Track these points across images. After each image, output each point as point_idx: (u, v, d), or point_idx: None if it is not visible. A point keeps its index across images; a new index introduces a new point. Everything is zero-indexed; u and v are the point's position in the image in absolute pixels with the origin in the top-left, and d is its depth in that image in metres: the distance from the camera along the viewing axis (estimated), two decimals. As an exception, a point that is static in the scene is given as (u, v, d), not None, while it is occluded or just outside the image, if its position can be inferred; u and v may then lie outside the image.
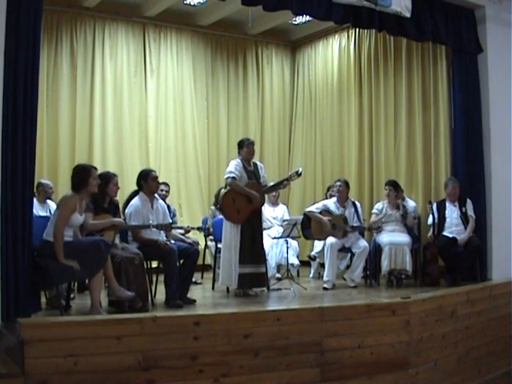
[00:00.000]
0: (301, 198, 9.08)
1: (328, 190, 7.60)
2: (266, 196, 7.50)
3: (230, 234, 5.88)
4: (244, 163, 6.03)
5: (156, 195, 5.76)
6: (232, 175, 5.89)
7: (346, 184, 6.78)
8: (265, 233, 7.10)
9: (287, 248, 6.67)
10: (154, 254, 5.37)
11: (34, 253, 4.52)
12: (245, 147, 6.04)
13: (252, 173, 6.04)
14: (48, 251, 4.50)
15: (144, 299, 4.97)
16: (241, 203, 5.86)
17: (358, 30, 8.35)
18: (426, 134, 7.51)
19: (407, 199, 7.08)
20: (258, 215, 6.00)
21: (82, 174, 4.73)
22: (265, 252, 6.20)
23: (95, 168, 4.90)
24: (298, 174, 6.01)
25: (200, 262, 6.52)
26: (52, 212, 5.49)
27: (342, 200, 6.71)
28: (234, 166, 5.97)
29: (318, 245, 7.05)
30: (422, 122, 7.56)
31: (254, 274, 5.84)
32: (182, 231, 6.22)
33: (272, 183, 6.27)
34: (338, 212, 6.64)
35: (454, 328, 5.18)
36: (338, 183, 6.76)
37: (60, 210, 4.56)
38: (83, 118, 7.75)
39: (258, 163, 6.25)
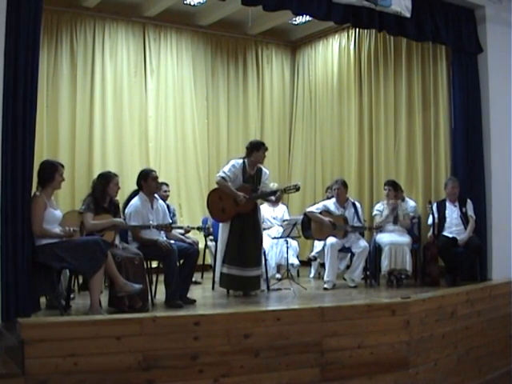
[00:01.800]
0: (301, 198, 9.06)
1: (327, 190, 7.59)
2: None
3: (221, 232, 5.91)
4: (246, 166, 5.94)
5: (156, 195, 5.76)
6: (223, 175, 5.86)
7: (344, 184, 6.76)
8: (265, 233, 7.10)
9: (287, 248, 6.67)
10: (154, 254, 5.36)
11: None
12: (261, 151, 5.91)
13: (251, 177, 5.95)
14: (42, 255, 4.54)
15: (144, 299, 4.97)
16: (227, 203, 5.81)
17: (358, 30, 8.35)
18: (426, 134, 7.51)
19: (407, 199, 7.09)
20: (251, 219, 5.88)
21: (48, 170, 4.74)
22: (261, 256, 5.98)
23: (62, 165, 4.88)
24: (297, 189, 5.90)
25: (200, 262, 6.52)
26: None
27: (342, 201, 6.70)
28: (230, 166, 5.91)
29: (318, 245, 7.04)
30: (421, 122, 7.56)
31: (237, 276, 5.76)
32: (181, 231, 6.22)
33: (267, 190, 6.09)
34: (338, 212, 6.63)
35: (454, 328, 5.18)
36: (336, 186, 6.74)
37: (32, 213, 4.52)
38: (83, 118, 7.75)
39: (264, 169, 6.10)
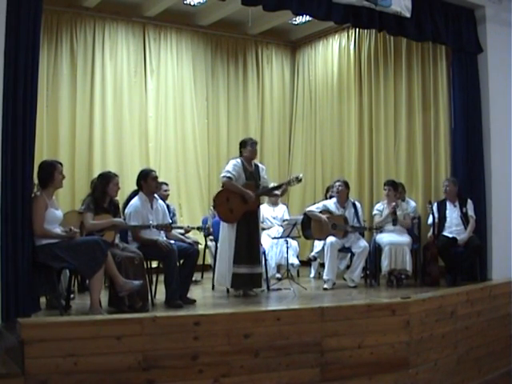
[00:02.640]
0: (301, 198, 9.08)
1: (328, 190, 7.59)
2: (267, 196, 7.55)
3: (227, 233, 5.87)
4: (245, 163, 5.97)
5: (156, 195, 5.76)
6: (228, 175, 5.83)
7: (346, 184, 6.77)
8: (265, 233, 7.12)
9: (287, 248, 6.67)
10: (154, 254, 5.36)
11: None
12: (248, 146, 5.98)
13: (251, 174, 5.98)
14: (42, 255, 4.54)
15: (144, 299, 4.97)
16: (235, 203, 5.81)
17: (358, 30, 8.35)
18: (426, 134, 7.52)
19: (408, 199, 7.09)
20: (254, 217, 5.93)
21: (47, 170, 4.73)
22: (263, 253, 6.10)
23: (60, 163, 4.88)
24: (299, 180, 5.95)
25: (200, 261, 6.51)
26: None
27: (342, 201, 6.70)
28: (232, 165, 5.90)
29: (317, 245, 7.05)
30: (422, 122, 7.56)
31: (248, 274, 5.79)
32: (181, 231, 6.22)
33: (270, 185, 6.20)
34: (338, 212, 6.63)
35: (454, 328, 5.18)
36: (338, 183, 6.75)
37: (33, 213, 4.52)
38: (83, 118, 7.75)
39: (260, 165, 6.18)
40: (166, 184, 7.07)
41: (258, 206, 6.06)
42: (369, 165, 8.20)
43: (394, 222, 6.68)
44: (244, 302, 5.50)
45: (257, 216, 6.00)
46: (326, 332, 4.32)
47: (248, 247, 5.81)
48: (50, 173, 4.72)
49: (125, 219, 5.43)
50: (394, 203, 6.68)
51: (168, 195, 7.01)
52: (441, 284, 6.36)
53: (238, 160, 5.99)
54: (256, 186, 5.96)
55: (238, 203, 5.81)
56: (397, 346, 4.59)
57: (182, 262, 5.44)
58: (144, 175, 5.66)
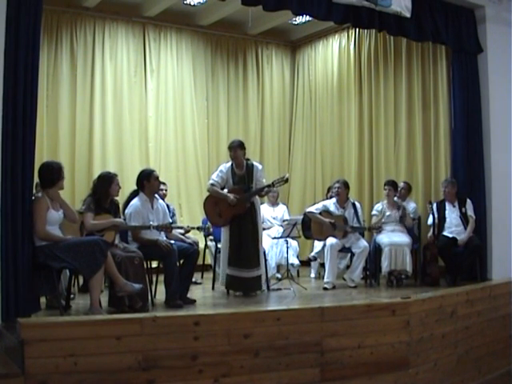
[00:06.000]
0: (301, 198, 9.08)
1: (328, 191, 7.58)
2: (266, 196, 7.53)
3: (223, 235, 6.00)
4: (234, 168, 6.03)
5: (156, 195, 5.76)
6: (211, 182, 6.04)
7: (345, 185, 6.76)
8: (265, 233, 7.11)
9: (287, 248, 6.67)
10: (154, 254, 5.36)
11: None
12: (230, 151, 6.07)
13: (242, 177, 6.00)
14: (42, 255, 4.53)
15: (144, 299, 4.97)
16: (222, 207, 5.91)
17: (358, 30, 8.35)
18: (426, 134, 7.52)
19: (408, 200, 7.09)
20: (247, 220, 5.89)
21: (55, 171, 4.71)
22: (260, 256, 5.95)
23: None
24: (285, 180, 5.97)
25: (200, 262, 6.52)
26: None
27: (342, 201, 6.70)
28: (217, 172, 6.08)
29: (317, 245, 7.04)
30: (421, 122, 7.56)
31: (238, 277, 5.81)
32: (181, 231, 6.22)
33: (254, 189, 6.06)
34: (337, 213, 6.63)
35: (454, 328, 5.18)
36: (337, 185, 6.74)
37: (35, 214, 4.51)
38: (83, 118, 7.74)
39: (256, 165, 6.13)
40: (164, 183, 7.07)
41: (251, 210, 5.94)
42: (369, 165, 8.20)
43: (401, 219, 6.68)
44: (244, 302, 5.50)
45: (251, 219, 5.93)
46: (326, 332, 4.32)
47: (238, 250, 5.84)
48: (58, 174, 4.71)
49: (125, 219, 5.43)
50: (401, 206, 6.70)
51: (165, 194, 7.00)
52: (441, 284, 6.37)
53: (227, 165, 6.10)
54: (246, 189, 5.95)
55: (226, 207, 5.89)
56: (397, 345, 4.59)
57: (181, 261, 5.44)
58: (147, 175, 5.65)
